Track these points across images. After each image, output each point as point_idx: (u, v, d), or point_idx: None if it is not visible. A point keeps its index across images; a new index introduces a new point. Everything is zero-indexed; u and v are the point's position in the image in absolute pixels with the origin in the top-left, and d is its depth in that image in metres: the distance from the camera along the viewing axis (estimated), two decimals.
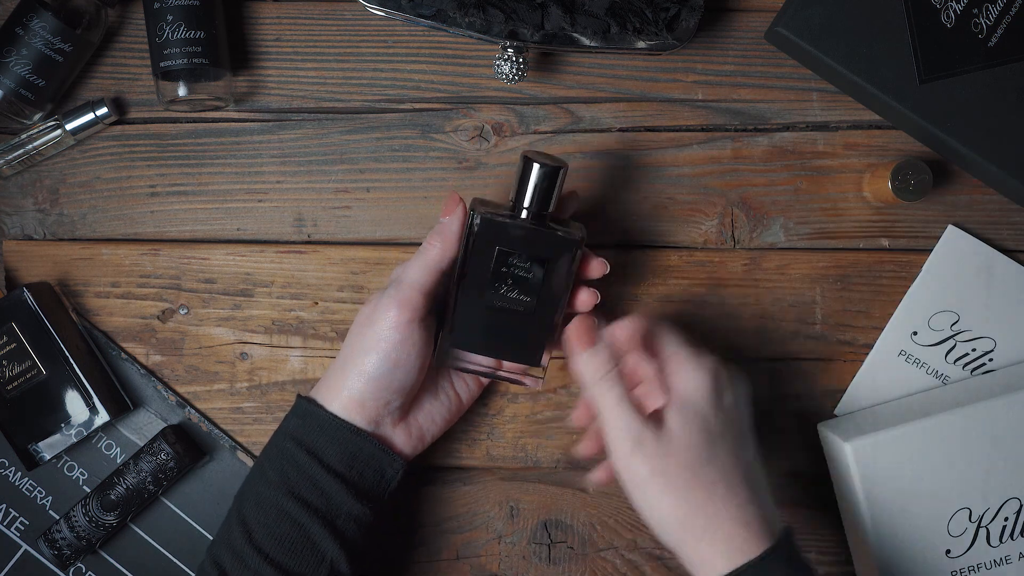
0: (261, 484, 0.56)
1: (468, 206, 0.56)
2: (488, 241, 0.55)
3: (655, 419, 0.53)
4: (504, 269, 0.55)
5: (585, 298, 0.58)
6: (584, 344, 0.55)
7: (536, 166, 0.54)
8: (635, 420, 0.52)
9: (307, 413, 0.57)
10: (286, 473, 0.56)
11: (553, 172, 0.54)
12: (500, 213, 0.55)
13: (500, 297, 0.56)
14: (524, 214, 0.55)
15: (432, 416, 0.61)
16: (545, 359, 0.58)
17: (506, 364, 0.59)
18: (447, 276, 0.57)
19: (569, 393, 0.66)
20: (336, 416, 0.56)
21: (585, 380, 0.55)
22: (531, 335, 0.57)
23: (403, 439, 0.59)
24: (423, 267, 0.56)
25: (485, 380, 0.63)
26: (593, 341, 0.55)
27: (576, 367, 0.55)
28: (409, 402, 0.59)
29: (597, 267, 0.58)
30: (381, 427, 0.58)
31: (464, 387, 0.63)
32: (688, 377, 0.53)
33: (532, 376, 0.59)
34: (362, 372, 0.56)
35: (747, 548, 0.50)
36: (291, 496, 0.55)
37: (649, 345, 0.56)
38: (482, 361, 0.59)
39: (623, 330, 0.55)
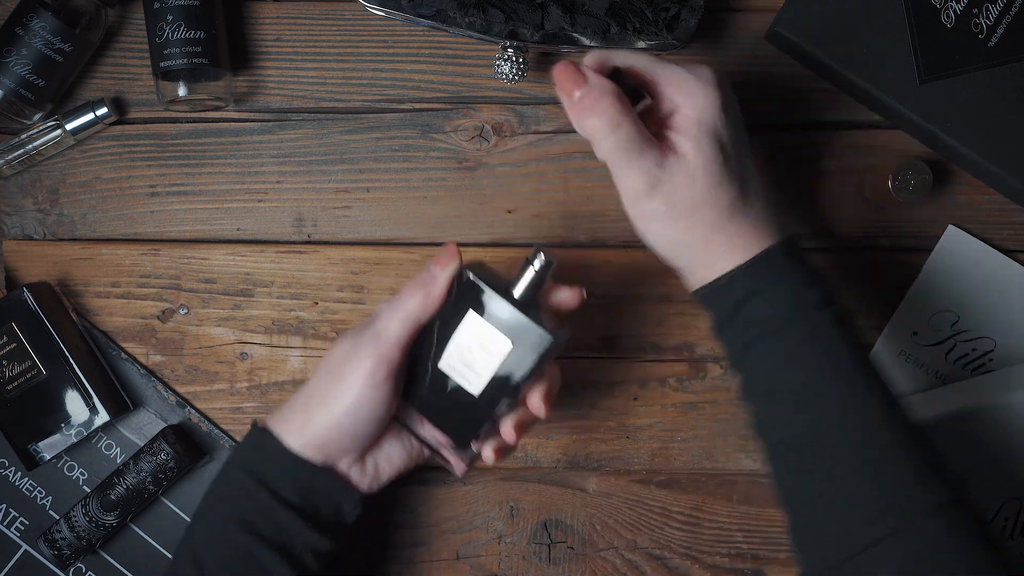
0: (212, 516, 0.55)
1: (463, 263, 0.54)
2: (465, 304, 0.52)
3: (665, 149, 0.51)
4: (468, 338, 0.53)
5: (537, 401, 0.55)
6: (576, 84, 0.50)
7: (538, 256, 0.52)
8: (650, 160, 0.50)
9: (263, 446, 0.55)
10: (239, 505, 0.54)
11: (548, 264, 0.52)
12: (491, 282, 0.52)
13: (457, 364, 0.53)
14: (513, 294, 0.52)
15: (391, 458, 0.57)
16: (475, 447, 0.55)
17: (438, 434, 0.55)
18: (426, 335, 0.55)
19: (569, 393, 0.66)
20: (292, 451, 0.54)
21: (593, 132, 0.50)
22: (470, 415, 0.54)
23: (358, 477, 0.57)
24: (405, 320, 0.53)
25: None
26: (583, 79, 0.50)
27: (580, 118, 0.50)
28: (368, 447, 0.57)
29: (570, 297, 0.55)
30: (337, 464, 0.56)
31: (427, 437, 0.59)
32: (694, 96, 0.51)
33: (458, 459, 0.56)
34: (328, 419, 0.54)
35: (756, 245, 0.52)
36: (244, 528, 0.53)
37: (638, 76, 0.53)
38: (416, 420, 0.56)
39: (601, 62, 0.52)
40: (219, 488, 0.56)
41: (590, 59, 0.52)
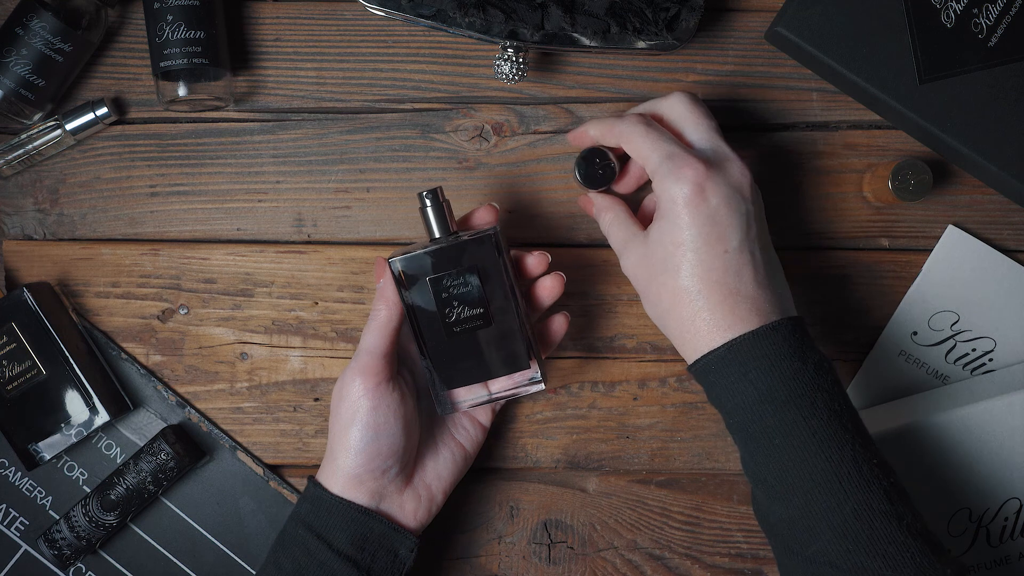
0: (274, 573, 0.57)
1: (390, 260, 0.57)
2: (415, 279, 0.56)
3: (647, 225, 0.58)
4: (444, 295, 0.56)
5: (549, 284, 0.59)
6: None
7: (420, 196, 0.57)
8: (626, 231, 0.58)
9: (314, 497, 0.57)
10: (298, 561, 0.56)
11: (431, 193, 0.57)
12: (410, 250, 0.56)
13: (456, 322, 0.56)
14: (430, 240, 0.57)
15: (438, 473, 0.60)
16: (534, 361, 0.58)
17: (502, 381, 0.58)
18: (410, 330, 0.58)
19: (569, 393, 0.66)
20: (339, 497, 0.56)
21: (592, 209, 0.62)
22: (505, 342, 0.57)
23: (412, 505, 0.59)
24: (375, 331, 0.57)
25: (489, 417, 0.63)
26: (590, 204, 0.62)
27: (581, 201, 0.63)
28: (410, 465, 0.59)
29: (534, 262, 0.59)
30: (386, 500, 0.58)
31: (466, 435, 0.62)
32: (664, 190, 0.54)
33: (533, 382, 0.58)
34: (348, 448, 0.56)
35: (702, 345, 0.54)
36: None
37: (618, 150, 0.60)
38: (478, 391, 0.59)
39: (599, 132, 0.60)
40: (281, 541, 0.58)
41: (572, 137, 0.62)
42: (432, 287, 0.56)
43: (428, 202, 0.57)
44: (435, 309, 0.56)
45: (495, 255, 0.56)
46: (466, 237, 0.56)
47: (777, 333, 0.52)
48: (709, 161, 0.54)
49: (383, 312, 0.57)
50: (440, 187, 0.57)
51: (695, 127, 0.57)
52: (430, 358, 0.57)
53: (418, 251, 0.56)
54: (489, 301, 0.56)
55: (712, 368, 0.53)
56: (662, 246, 0.55)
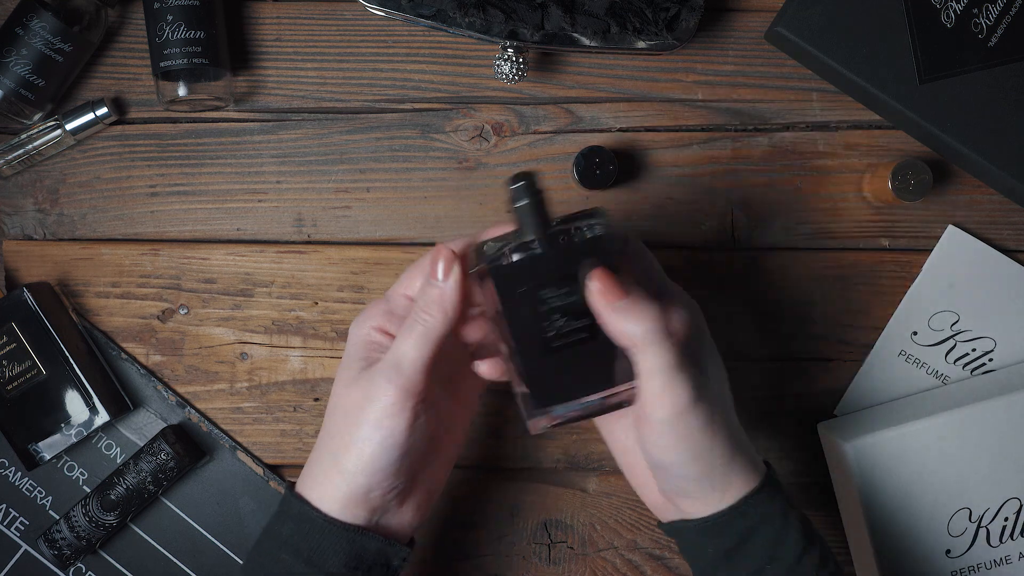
0: None
1: (468, 263, 0.49)
2: (510, 290, 0.46)
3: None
4: (542, 307, 0.47)
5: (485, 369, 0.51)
6: (609, 303, 0.46)
7: (510, 188, 0.47)
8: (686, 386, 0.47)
9: (303, 517, 0.50)
10: None
11: (525, 182, 0.47)
12: (500, 255, 0.47)
13: (556, 337, 0.47)
14: (527, 239, 0.47)
15: (435, 475, 0.55)
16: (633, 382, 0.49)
17: (599, 395, 0.49)
18: (496, 337, 0.49)
19: None
20: (337, 520, 0.50)
21: (630, 342, 0.46)
22: (608, 354, 0.48)
23: (410, 515, 0.53)
24: (424, 343, 0.48)
25: (475, 408, 0.58)
26: (617, 296, 0.46)
27: (617, 326, 0.46)
28: (412, 477, 0.53)
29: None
30: (386, 514, 0.52)
31: (459, 432, 0.57)
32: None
33: (628, 390, 0.49)
34: (363, 464, 0.49)
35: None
36: None
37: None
38: (575, 407, 0.49)
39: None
40: (261, 565, 0.51)
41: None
42: (527, 300, 0.46)
43: (523, 195, 0.46)
44: (531, 321, 0.47)
45: (599, 260, 0.46)
46: (578, 238, 0.46)
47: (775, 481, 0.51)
48: None
49: (438, 320, 0.48)
50: (534, 173, 0.47)
51: None
52: (523, 376, 0.48)
53: (514, 252, 0.46)
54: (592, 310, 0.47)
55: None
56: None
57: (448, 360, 0.52)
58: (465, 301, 0.49)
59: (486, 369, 0.50)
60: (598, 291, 0.46)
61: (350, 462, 0.49)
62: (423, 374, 0.48)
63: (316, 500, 0.50)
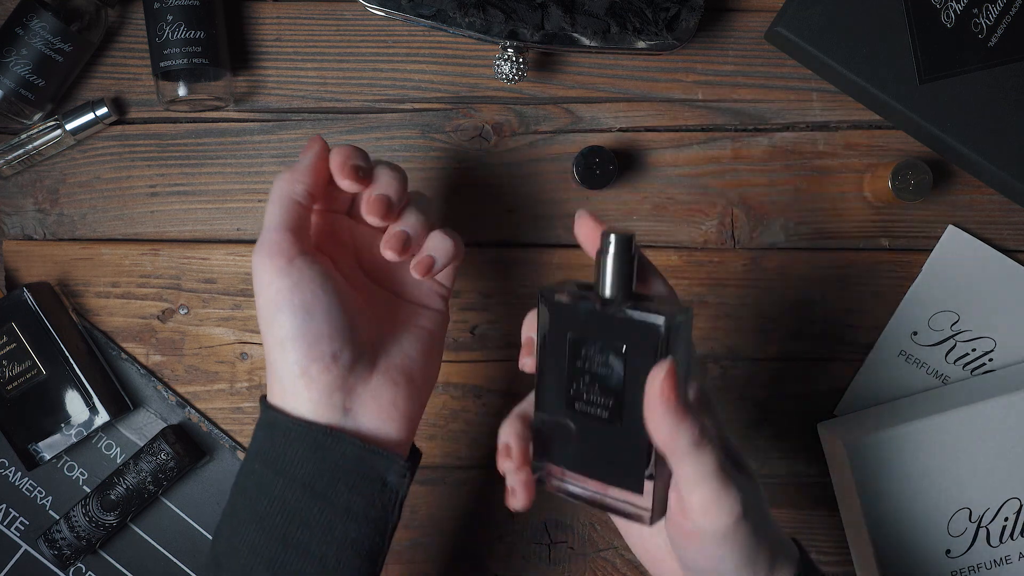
0: (232, 523, 0.47)
1: (540, 293, 0.44)
2: (557, 327, 0.43)
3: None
4: (579, 363, 0.43)
5: (437, 245, 0.49)
6: (668, 402, 0.40)
7: (603, 237, 0.43)
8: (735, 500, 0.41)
9: (268, 423, 0.48)
10: (256, 504, 0.46)
11: (621, 240, 0.42)
12: (573, 293, 0.43)
13: (579, 399, 0.43)
14: (603, 294, 0.42)
15: (405, 352, 0.50)
16: (648, 488, 0.43)
17: (603, 488, 0.44)
18: (532, 361, 0.45)
19: None
20: (296, 418, 0.47)
21: (672, 448, 0.41)
22: (624, 451, 0.43)
23: (389, 395, 0.48)
24: (273, 205, 0.48)
25: (447, 286, 0.54)
26: (676, 397, 0.40)
27: (664, 430, 0.40)
28: (366, 351, 0.49)
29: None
30: (354, 404, 0.48)
31: (426, 315, 0.53)
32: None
33: (637, 509, 0.44)
34: (282, 342, 0.46)
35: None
36: (265, 531, 0.46)
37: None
38: (576, 481, 0.45)
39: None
40: (239, 484, 0.49)
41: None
42: (570, 348, 0.43)
43: (611, 249, 0.42)
44: (562, 370, 0.44)
45: (653, 354, 0.41)
46: (635, 316, 0.41)
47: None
48: None
49: (283, 180, 0.48)
50: (634, 235, 0.42)
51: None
52: (540, 418, 0.45)
53: (577, 298, 0.43)
54: (624, 397, 0.42)
55: None
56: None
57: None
58: (323, 164, 0.49)
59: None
60: (659, 390, 0.40)
61: (274, 347, 0.47)
62: (284, 232, 0.47)
63: (277, 403, 0.48)
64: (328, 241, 0.52)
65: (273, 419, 0.47)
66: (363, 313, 0.50)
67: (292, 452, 0.46)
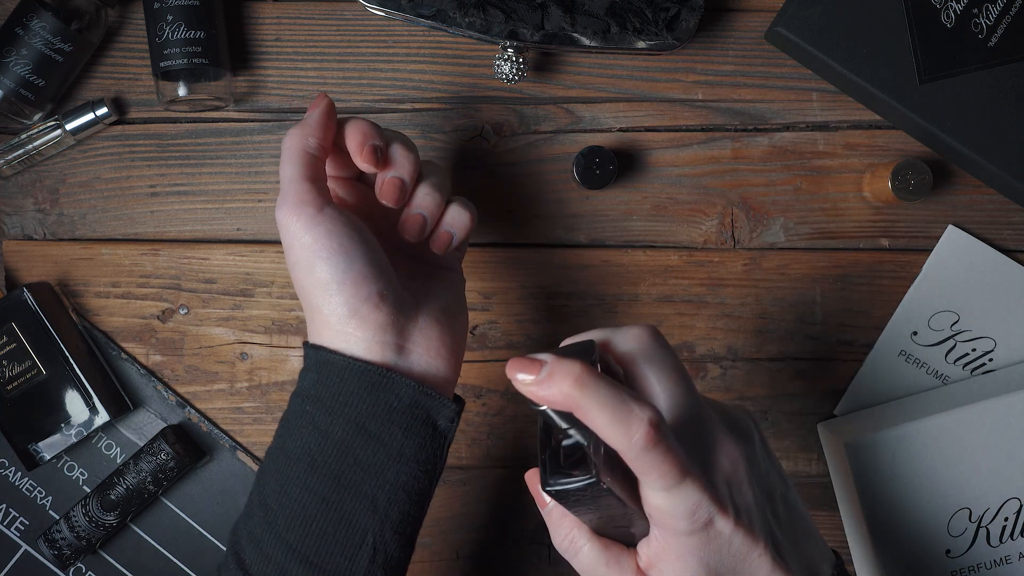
0: (281, 459, 0.47)
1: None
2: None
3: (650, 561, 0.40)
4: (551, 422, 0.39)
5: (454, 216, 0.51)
6: (541, 504, 0.42)
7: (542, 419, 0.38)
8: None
9: (320, 363, 0.47)
10: (308, 443, 0.46)
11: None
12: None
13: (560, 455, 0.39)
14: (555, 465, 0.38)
15: (437, 296, 0.51)
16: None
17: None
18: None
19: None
20: (356, 359, 0.46)
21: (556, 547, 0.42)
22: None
23: (436, 334, 0.49)
24: (289, 160, 0.48)
25: (462, 251, 0.56)
26: (543, 504, 0.41)
27: (543, 515, 0.42)
28: (406, 291, 0.49)
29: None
30: (406, 342, 0.48)
31: (441, 261, 0.54)
32: (670, 527, 0.38)
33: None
34: (326, 285, 0.46)
35: None
36: (317, 470, 0.46)
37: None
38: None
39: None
40: (287, 422, 0.48)
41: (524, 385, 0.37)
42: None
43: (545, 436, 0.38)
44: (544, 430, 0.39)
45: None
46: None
47: None
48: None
49: (294, 137, 0.49)
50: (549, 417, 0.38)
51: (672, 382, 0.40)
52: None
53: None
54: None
55: None
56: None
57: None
58: (330, 120, 0.50)
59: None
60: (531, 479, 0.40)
61: (318, 293, 0.47)
62: (303, 183, 0.47)
63: (327, 344, 0.48)
64: (344, 206, 0.53)
65: (325, 359, 0.47)
66: (383, 252, 0.50)
67: (346, 392, 0.46)
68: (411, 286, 0.51)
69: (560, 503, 0.38)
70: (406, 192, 0.50)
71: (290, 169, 0.48)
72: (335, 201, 0.51)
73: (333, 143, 0.51)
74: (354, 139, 0.49)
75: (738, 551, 0.38)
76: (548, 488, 0.37)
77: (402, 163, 0.50)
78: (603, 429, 0.35)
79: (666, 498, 0.37)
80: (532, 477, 0.43)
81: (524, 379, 0.36)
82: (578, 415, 0.36)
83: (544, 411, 0.37)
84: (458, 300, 0.54)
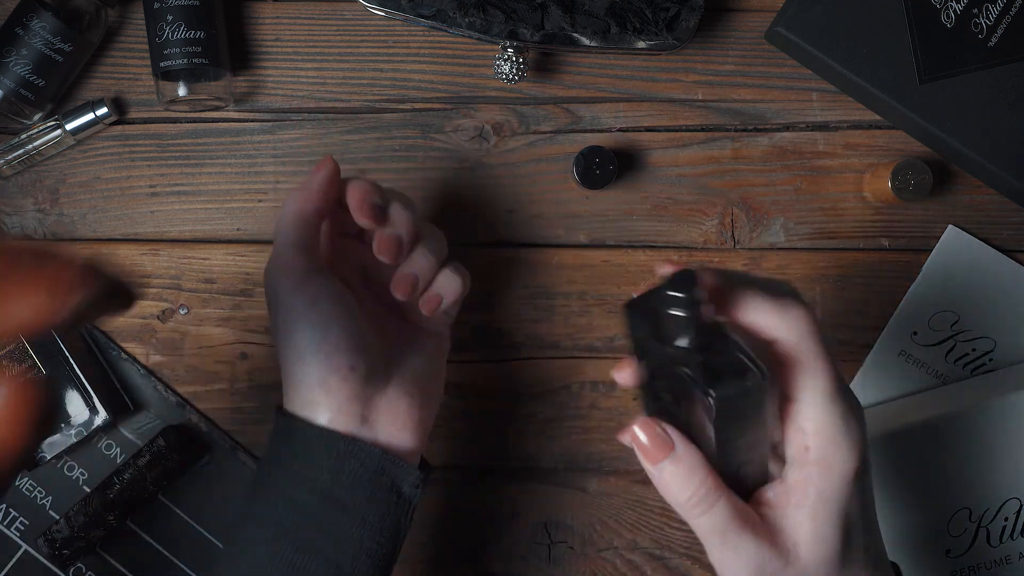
0: (251, 525, 0.48)
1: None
2: (638, 328, 0.40)
3: (772, 532, 0.40)
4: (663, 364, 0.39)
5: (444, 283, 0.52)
6: (659, 455, 0.40)
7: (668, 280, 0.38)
8: (754, 550, 0.39)
9: (285, 431, 0.49)
10: (276, 510, 0.47)
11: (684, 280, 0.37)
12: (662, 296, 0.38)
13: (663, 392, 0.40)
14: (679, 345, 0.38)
15: (413, 365, 0.52)
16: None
17: None
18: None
19: (569, 393, 0.66)
20: (321, 427, 0.47)
21: (674, 503, 0.41)
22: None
23: (403, 406, 0.50)
24: (286, 224, 0.50)
25: (452, 315, 0.56)
26: (668, 447, 0.40)
27: (659, 486, 0.41)
28: (380, 364, 0.50)
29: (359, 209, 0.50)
30: (371, 414, 0.49)
31: (429, 324, 0.54)
32: (832, 459, 0.39)
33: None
34: (301, 354, 0.47)
35: None
36: (285, 536, 0.47)
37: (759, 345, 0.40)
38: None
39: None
40: (257, 486, 0.49)
41: (708, 279, 0.39)
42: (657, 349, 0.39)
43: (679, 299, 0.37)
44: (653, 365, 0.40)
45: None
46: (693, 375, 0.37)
47: None
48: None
49: (293, 199, 0.50)
50: (693, 273, 0.37)
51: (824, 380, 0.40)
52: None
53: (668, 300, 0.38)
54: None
55: None
56: (833, 542, 0.39)
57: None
58: (332, 184, 0.50)
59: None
60: (639, 442, 0.40)
61: (293, 359, 0.48)
62: (295, 249, 0.49)
63: (293, 411, 0.49)
64: (337, 262, 0.54)
65: (291, 427, 0.48)
66: (373, 330, 0.51)
67: (311, 460, 0.47)
68: (392, 350, 0.52)
69: (718, 421, 0.37)
70: (403, 249, 0.51)
71: (284, 234, 0.50)
72: (331, 257, 0.53)
73: (336, 201, 0.52)
74: (355, 197, 0.50)
75: (871, 522, 0.41)
76: (719, 393, 0.36)
77: (401, 221, 0.51)
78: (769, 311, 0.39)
79: (826, 409, 0.39)
80: (643, 425, 0.41)
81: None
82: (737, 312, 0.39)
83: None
84: (436, 369, 0.54)
